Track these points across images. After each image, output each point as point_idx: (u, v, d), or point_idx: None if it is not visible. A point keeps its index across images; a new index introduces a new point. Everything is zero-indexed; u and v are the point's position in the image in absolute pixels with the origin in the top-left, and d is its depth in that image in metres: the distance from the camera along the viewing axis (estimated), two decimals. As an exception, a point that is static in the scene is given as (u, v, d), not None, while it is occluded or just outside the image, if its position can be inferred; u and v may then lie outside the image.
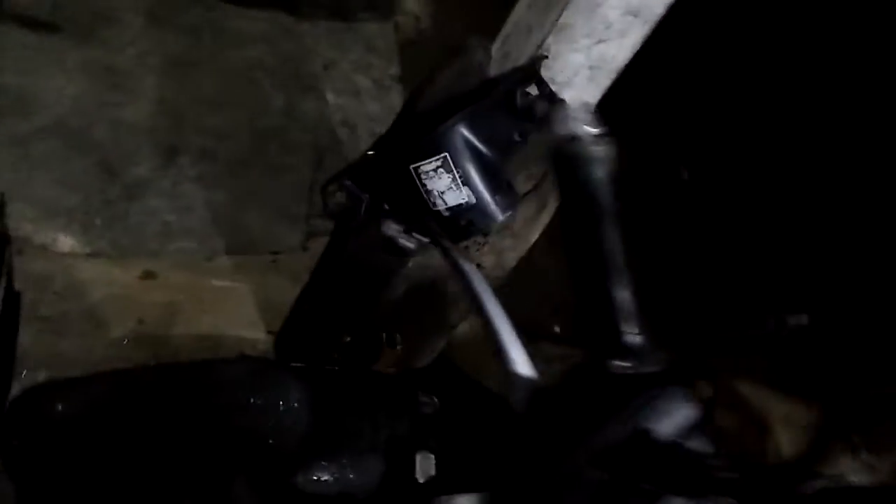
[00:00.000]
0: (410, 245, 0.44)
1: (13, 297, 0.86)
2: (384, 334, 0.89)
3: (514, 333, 0.42)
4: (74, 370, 0.79)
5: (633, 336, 0.43)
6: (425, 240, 0.45)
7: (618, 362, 0.43)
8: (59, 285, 1.42)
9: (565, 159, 0.48)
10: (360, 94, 2.05)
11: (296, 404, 0.77)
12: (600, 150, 0.49)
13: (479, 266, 0.86)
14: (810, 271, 1.51)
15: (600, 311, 0.42)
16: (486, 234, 0.70)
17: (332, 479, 0.77)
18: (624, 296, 0.43)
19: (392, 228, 0.53)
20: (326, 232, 0.83)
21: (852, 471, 1.73)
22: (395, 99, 2.04)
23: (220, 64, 1.95)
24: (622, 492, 0.41)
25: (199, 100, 1.86)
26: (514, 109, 0.64)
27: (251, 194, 1.73)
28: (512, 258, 0.87)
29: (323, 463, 0.77)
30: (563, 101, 0.64)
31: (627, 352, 0.43)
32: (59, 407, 0.71)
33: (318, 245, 0.86)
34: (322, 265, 0.85)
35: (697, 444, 0.44)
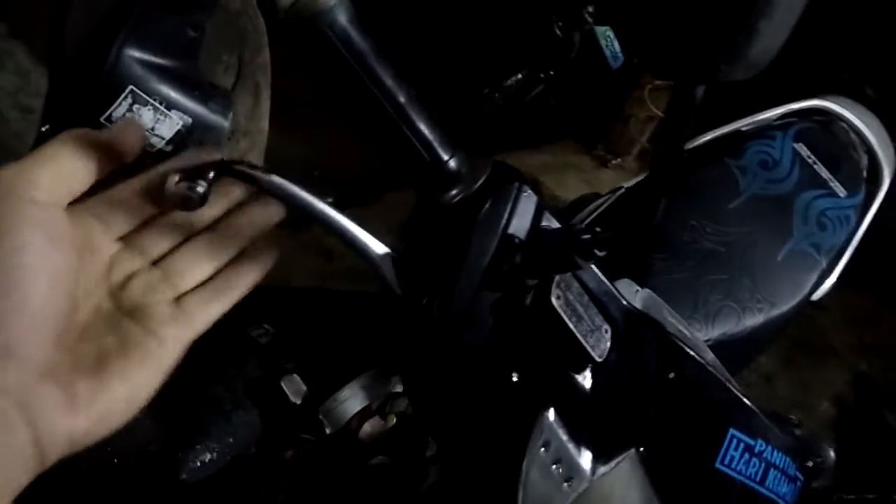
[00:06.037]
0: (201, 190, 0.39)
1: None
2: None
3: (352, 223, 0.40)
4: None
5: (450, 161, 0.42)
6: (212, 176, 0.40)
7: (451, 192, 0.42)
8: None
9: (304, 24, 0.44)
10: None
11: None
12: None
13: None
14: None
15: (413, 154, 0.41)
16: (218, 148, 0.64)
17: (214, 454, 0.73)
18: (425, 127, 0.41)
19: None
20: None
21: (612, 180, 2.01)
22: (23, 59, 1.72)
23: None
24: (514, 302, 0.43)
25: None
26: (174, 4, 0.56)
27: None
28: (256, 157, 0.81)
29: (198, 446, 0.72)
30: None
31: (454, 178, 0.43)
32: None
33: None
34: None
35: (550, 223, 0.46)
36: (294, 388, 0.75)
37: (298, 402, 0.74)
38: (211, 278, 0.44)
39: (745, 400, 0.44)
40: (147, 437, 0.70)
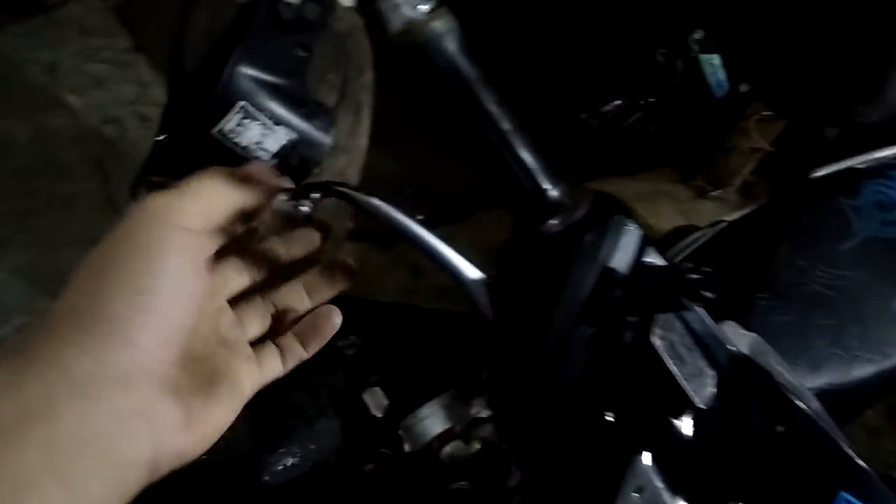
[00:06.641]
0: (306, 209, 0.40)
1: None
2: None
3: (446, 246, 0.41)
4: None
5: (552, 191, 0.42)
6: (317, 196, 0.42)
7: (551, 222, 0.42)
8: None
9: (416, 49, 0.45)
10: (104, 83, 1.83)
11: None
12: (444, 24, 0.45)
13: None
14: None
15: (513, 182, 0.41)
16: (319, 164, 0.66)
17: (297, 459, 0.75)
18: (527, 155, 0.41)
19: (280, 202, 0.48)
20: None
21: (710, 212, 1.94)
22: (144, 71, 1.84)
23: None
24: (612, 338, 0.42)
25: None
26: (285, 26, 0.59)
27: (48, 243, 1.54)
28: (353, 174, 0.83)
29: (281, 450, 0.74)
30: (330, -6, 0.59)
31: (555, 208, 0.42)
32: None
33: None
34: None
35: (654, 259, 0.45)
36: (376, 402, 0.76)
37: (380, 415, 0.75)
38: (278, 332, 0.46)
39: (859, 461, 0.40)
40: (234, 437, 0.73)
